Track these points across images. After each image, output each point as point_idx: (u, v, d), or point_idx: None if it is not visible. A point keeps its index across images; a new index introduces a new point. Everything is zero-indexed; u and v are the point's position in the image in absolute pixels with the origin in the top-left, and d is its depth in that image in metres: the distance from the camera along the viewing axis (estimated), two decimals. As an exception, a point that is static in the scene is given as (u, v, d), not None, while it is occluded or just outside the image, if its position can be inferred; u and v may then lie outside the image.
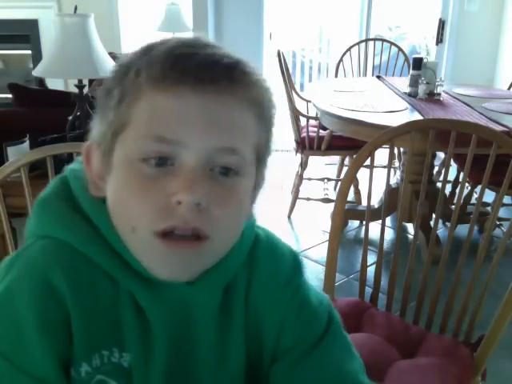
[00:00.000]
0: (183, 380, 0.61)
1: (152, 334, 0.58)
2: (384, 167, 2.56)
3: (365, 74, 4.00)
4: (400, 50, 3.91)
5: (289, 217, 3.15)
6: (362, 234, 2.55)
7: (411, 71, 2.91)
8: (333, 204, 1.41)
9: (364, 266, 1.38)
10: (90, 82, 2.90)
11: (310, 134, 2.98)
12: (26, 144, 2.03)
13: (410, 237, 2.86)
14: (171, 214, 0.51)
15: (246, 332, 0.64)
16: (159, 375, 0.59)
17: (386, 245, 1.55)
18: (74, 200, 0.58)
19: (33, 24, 4.33)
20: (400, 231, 1.40)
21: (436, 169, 3.02)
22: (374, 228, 1.74)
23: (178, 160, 0.52)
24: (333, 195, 3.26)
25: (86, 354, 0.54)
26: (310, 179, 3.28)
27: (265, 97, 0.56)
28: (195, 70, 0.51)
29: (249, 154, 0.55)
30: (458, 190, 1.42)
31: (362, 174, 1.77)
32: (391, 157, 1.42)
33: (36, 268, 0.54)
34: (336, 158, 3.61)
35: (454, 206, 1.35)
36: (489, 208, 2.67)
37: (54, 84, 3.21)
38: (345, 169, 3.32)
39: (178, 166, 0.52)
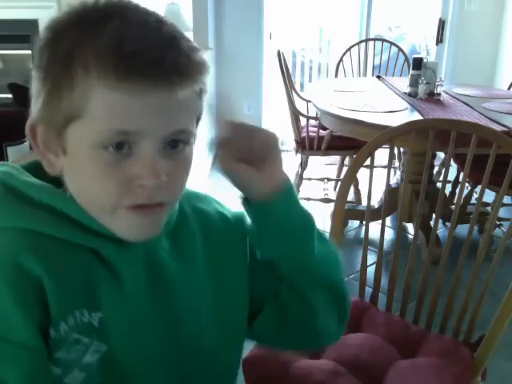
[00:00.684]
0: (167, 324, 0.67)
1: (126, 290, 0.63)
2: (384, 167, 2.56)
3: (365, 74, 4.00)
4: (400, 50, 3.91)
5: (289, 217, 3.15)
6: (362, 234, 2.55)
7: (411, 71, 2.91)
8: (333, 204, 1.41)
9: (364, 265, 1.39)
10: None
11: (310, 133, 2.98)
12: (26, 144, 2.03)
13: (410, 237, 2.86)
14: (136, 193, 0.58)
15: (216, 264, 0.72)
16: (141, 325, 0.64)
17: (386, 245, 1.55)
18: (20, 193, 0.61)
19: (33, 24, 4.33)
20: (400, 231, 1.40)
21: (436, 169, 3.02)
22: (374, 228, 1.74)
23: (136, 146, 0.57)
24: (333, 195, 3.27)
25: (62, 315, 0.58)
26: (309, 179, 3.29)
27: (205, 74, 0.59)
28: (147, 70, 0.54)
29: (193, 126, 0.61)
30: (458, 190, 1.42)
31: (362, 174, 1.77)
32: (391, 157, 1.42)
33: (0, 251, 0.57)
34: (336, 158, 3.61)
35: (454, 206, 1.35)
36: (489, 208, 2.67)
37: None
38: (345, 169, 3.32)
39: (136, 151, 0.57)
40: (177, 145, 0.59)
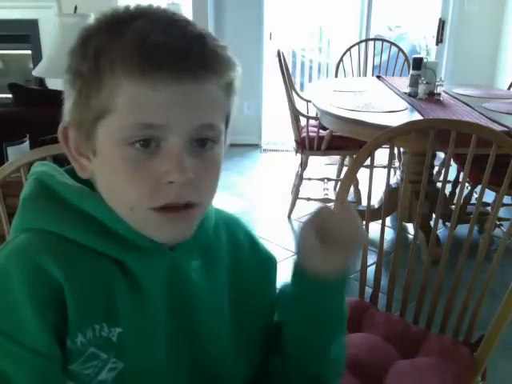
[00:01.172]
0: (185, 344, 0.66)
1: (146, 306, 0.62)
2: (384, 167, 2.55)
3: (365, 74, 3.99)
4: (400, 50, 3.91)
5: (289, 217, 3.15)
6: (362, 234, 2.54)
7: (411, 71, 2.91)
8: (333, 204, 1.41)
9: (364, 266, 1.38)
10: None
11: (310, 134, 2.98)
12: (26, 144, 2.03)
13: (410, 237, 2.86)
14: (164, 192, 0.57)
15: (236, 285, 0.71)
16: (159, 343, 0.63)
17: (385, 245, 1.54)
18: (55, 195, 0.62)
19: (33, 24, 4.32)
20: (400, 231, 1.40)
21: (436, 169, 3.02)
22: (374, 228, 1.74)
23: (163, 142, 0.56)
24: (333, 195, 3.27)
25: (80, 326, 0.57)
26: (310, 179, 3.28)
27: (232, 70, 0.60)
28: (172, 63, 0.54)
29: (221, 123, 0.61)
30: (458, 190, 1.42)
31: (362, 174, 1.77)
32: (391, 157, 1.42)
33: (22, 250, 0.57)
34: (336, 158, 3.61)
35: (454, 206, 1.35)
36: (489, 208, 2.67)
37: (54, 84, 3.20)
38: (345, 169, 3.32)
39: (163, 148, 0.56)
40: (205, 143, 0.58)
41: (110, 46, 0.55)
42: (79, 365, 0.57)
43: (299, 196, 3.12)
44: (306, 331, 0.70)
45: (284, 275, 0.74)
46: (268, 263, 0.76)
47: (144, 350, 0.62)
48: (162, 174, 0.56)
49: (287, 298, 0.71)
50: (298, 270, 0.67)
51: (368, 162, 1.35)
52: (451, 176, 2.84)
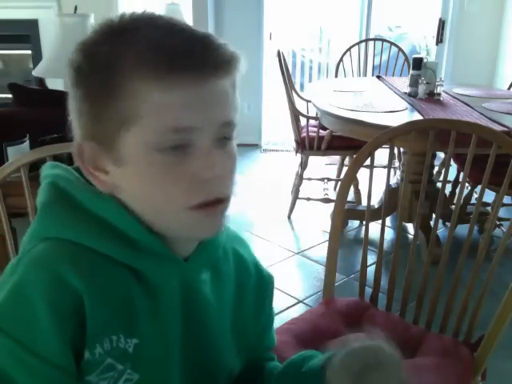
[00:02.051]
0: (197, 353, 0.67)
1: (162, 316, 0.62)
2: (384, 167, 2.56)
3: (365, 74, 4.00)
4: (400, 50, 3.91)
5: (289, 217, 3.15)
6: (362, 234, 2.55)
7: (411, 71, 2.91)
8: (333, 204, 1.41)
9: (364, 266, 1.38)
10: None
11: (310, 133, 2.98)
12: (26, 144, 2.02)
13: (410, 237, 2.86)
14: (199, 190, 0.59)
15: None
16: (173, 353, 0.64)
17: (386, 245, 1.55)
18: (72, 201, 0.61)
19: (33, 24, 4.33)
20: (400, 231, 1.40)
21: (436, 169, 3.02)
22: (374, 228, 1.74)
23: (193, 142, 0.57)
24: (333, 195, 3.27)
25: (98, 337, 0.57)
26: (310, 179, 3.28)
27: (238, 67, 0.61)
28: (187, 64, 0.55)
29: (236, 119, 0.62)
30: (458, 190, 1.42)
31: (362, 174, 1.77)
32: (391, 157, 1.42)
33: (43, 261, 0.57)
34: (336, 158, 3.61)
35: (454, 206, 1.35)
36: (489, 208, 2.67)
37: (54, 84, 3.19)
38: (345, 169, 3.32)
39: (193, 148, 0.58)
40: (225, 139, 0.60)
41: (120, 56, 0.56)
42: (96, 376, 0.58)
43: (299, 196, 3.12)
44: None
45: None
46: (269, 283, 0.79)
47: (159, 361, 0.62)
48: (195, 173, 0.57)
49: None
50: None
51: (368, 161, 1.35)
52: (451, 176, 2.84)
